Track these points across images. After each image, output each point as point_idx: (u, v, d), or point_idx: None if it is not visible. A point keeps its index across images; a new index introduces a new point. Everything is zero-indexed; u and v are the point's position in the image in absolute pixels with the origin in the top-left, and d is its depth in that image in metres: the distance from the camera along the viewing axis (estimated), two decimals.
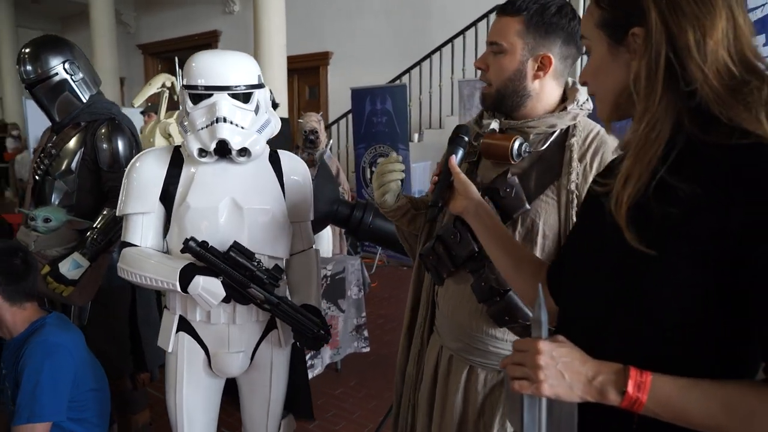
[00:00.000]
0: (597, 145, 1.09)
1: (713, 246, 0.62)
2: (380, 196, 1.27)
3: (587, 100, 1.12)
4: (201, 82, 1.36)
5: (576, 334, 0.72)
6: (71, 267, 1.84)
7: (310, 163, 3.69)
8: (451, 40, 5.82)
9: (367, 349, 3.12)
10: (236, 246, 1.35)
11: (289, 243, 1.56)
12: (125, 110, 2.35)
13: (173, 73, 3.87)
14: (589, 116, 1.14)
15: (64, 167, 1.98)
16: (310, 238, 1.66)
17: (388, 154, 5.58)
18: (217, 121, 1.34)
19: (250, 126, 1.40)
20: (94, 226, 1.91)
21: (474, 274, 1.12)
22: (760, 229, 0.59)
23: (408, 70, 6.25)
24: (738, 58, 0.65)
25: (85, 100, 2.01)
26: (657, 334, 0.67)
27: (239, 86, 1.38)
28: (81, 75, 1.99)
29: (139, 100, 3.86)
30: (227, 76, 1.36)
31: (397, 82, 6.24)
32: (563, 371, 0.66)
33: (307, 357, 2.65)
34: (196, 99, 1.38)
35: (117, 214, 1.50)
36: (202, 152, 1.38)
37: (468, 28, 5.72)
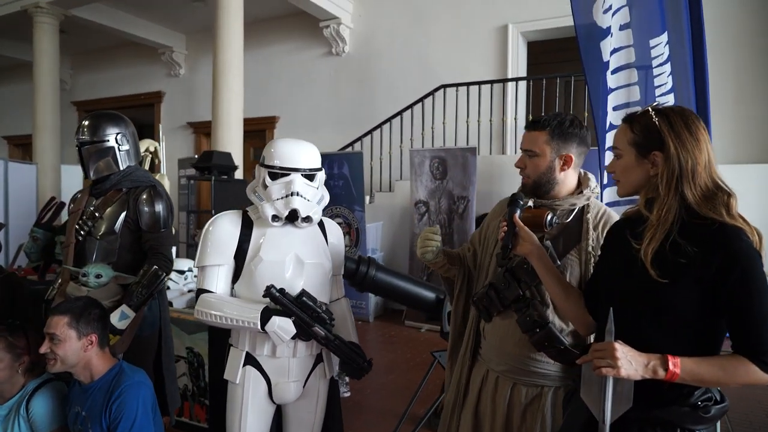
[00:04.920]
0: (606, 218, 1.54)
1: (704, 279, 1.11)
2: (422, 255, 1.68)
3: (596, 186, 1.59)
4: (278, 163, 1.74)
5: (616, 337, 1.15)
6: (120, 318, 2.06)
7: None
8: (400, 113, 6.48)
9: (348, 394, 3.40)
10: (305, 293, 1.70)
11: (330, 291, 1.92)
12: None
13: (157, 139, 4.13)
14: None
15: (105, 228, 2.23)
16: (342, 289, 2.03)
17: (345, 216, 6.01)
18: (291, 194, 1.72)
19: (313, 199, 1.78)
20: (138, 281, 2.15)
21: (518, 312, 1.49)
22: (726, 271, 1.09)
23: (359, 139, 6.81)
24: (710, 178, 1.18)
25: (121, 168, 2.30)
26: (668, 333, 1.14)
27: (308, 168, 1.77)
28: (127, 147, 2.30)
29: None
30: (300, 160, 1.76)
31: (349, 149, 6.77)
32: (630, 360, 1.11)
33: None
34: (274, 176, 1.75)
35: (195, 266, 1.79)
36: (276, 218, 1.73)
37: (416, 103, 6.42)
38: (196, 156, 6.24)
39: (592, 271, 1.46)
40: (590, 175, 1.62)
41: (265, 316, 1.66)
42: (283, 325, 1.67)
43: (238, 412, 1.76)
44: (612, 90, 2.43)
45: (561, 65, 6.77)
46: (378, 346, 5.09)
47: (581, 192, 1.58)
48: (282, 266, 1.75)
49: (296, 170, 1.75)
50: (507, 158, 6.10)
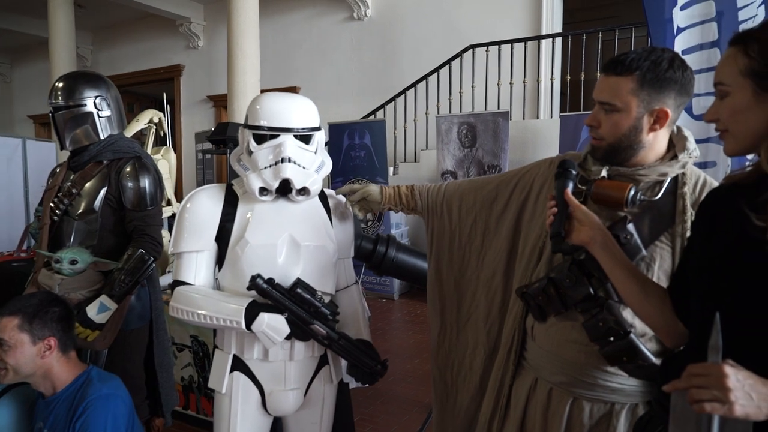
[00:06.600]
0: (708, 191, 1.12)
1: None
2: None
3: (695, 148, 1.17)
4: (265, 123, 1.40)
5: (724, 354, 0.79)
6: (99, 310, 1.79)
7: None
8: (425, 77, 6.04)
9: (360, 383, 3.11)
10: (300, 283, 1.37)
11: (335, 279, 1.59)
12: None
13: (161, 108, 3.85)
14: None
15: (84, 207, 1.95)
16: (352, 275, 1.69)
17: None
18: (282, 161, 1.38)
19: (310, 166, 1.44)
20: (121, 267, 1.87)
21: (585, 314, 1.15)
22: None
23: (382, 106, 6.41)
24: None
25: (102, 137, 2.01)
26: None
27: (303, 128, 1.42)
28: (108, 113, 2.00)
29: (126, 135, 3.78)
30: (292, 118, 1.41)
31: (372, 117, 6.38)
32: (750, 392, 0.74)
33: None
34: (260, 139, 1.41)
35: (170, 252, 1.49)
36: (264, 191, 1.40)
37: (442, 66, 5.96)
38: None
39: None
40: (686, 132, 1.18)
41: (251, 313, 1.34)
42: (273, 324, 1.35)
43: (226, 427, 1.46)
44: (682, 29, 1.98)
45: (600, 21, 6.19)
46: (403, 327, 4.80)
47: (675, 157, 1.16)
48: (273, 250, 1.43)
49: (287, 131, 1.40)
50: (541, 123, 5.63)
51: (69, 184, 1.98)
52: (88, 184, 1.96)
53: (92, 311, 1.78)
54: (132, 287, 1.87)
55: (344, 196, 1.59)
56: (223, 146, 5.21)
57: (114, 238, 1.97)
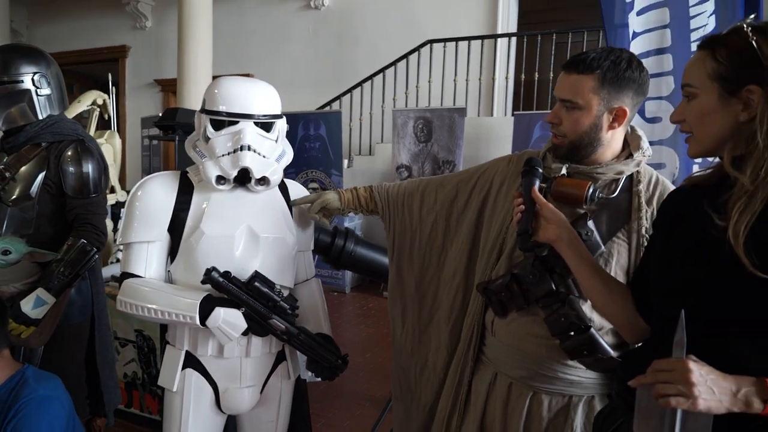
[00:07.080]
0: (661, 189, 1.19)
1: None
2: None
3: (648, 148, 1.21)
4: (224, 108, 1.33)
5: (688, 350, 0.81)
6: (35, 305, 1.66)
7: None
8: (383, 70, 6.00)
9: (319, 378, 3.07)
10: (258, 276, 1.32)
11: (294, 272, 1.54)
12: None
13: (104, 90, 3.65)
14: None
15: (19, 192, 1.80)
16: (312, 268, 1.65)
17: (321, 180, 5.59)
18: (241, 149, 1.32)
19: (270, 155, 1.38)
20: (60, 258, 1.74)
21: (545, 309, 1.16)
22: None
23: (338, 98, 6.33)
24: None
25: (40, 117, 1.87)
26: (766, 350, 0.78)
27: (264, 115, 1.36)
28: (48, 92, 1.86)
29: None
30: (252, 104, 1.35)
31: (327, 108, 6.30)
32: (712, 387, 0.76)
33: None
34: (218, 125, 1.34)
35: (118, 242, 1.40)
36: (221, 179, 1.34)
37: (400, 60, 5.94)
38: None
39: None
40: (640, 132, 1.23)
41: (206, 308, 1.28)
42: (229, 320, 1.29)
43: (176, 427, 1.39)
44: (637, 34, 2.04)
45: (554, 24, 6.34)
46: (354, 321, 4.78)
47: (630, 155, 1.20)
48: (230, 242, 1.36)
49: (247, 117, 1.34)
50: (495, 120, 5.72)
51: (2, 167, 1.82)
52: (24, 168, 1.82)
53: (27, 306, 1.65)
54: (72, 280, 1.75)
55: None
56: (171, 132, 5.02)
57: (52, 227, 1.83)
